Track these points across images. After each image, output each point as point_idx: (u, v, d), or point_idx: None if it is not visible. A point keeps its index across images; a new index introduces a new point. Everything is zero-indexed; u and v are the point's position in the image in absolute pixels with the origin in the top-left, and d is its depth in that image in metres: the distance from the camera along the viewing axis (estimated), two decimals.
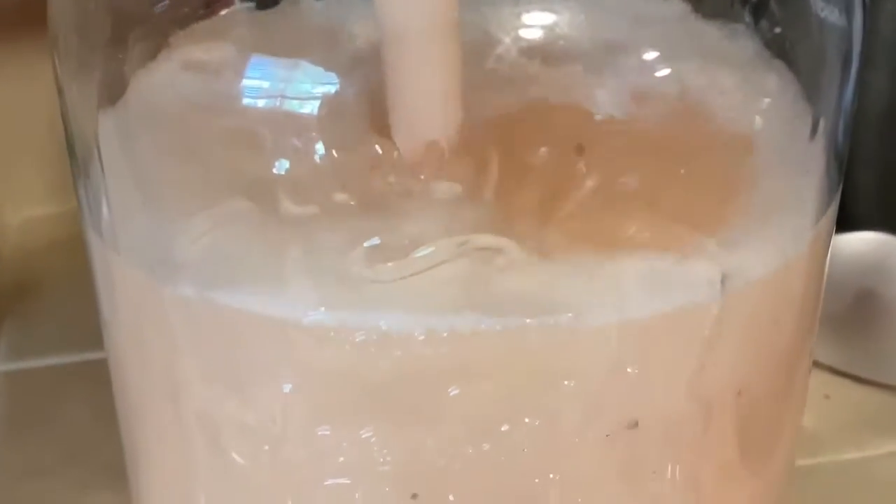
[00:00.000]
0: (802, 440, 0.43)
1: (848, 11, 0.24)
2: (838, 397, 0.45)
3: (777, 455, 0.26)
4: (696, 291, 0.22)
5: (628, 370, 0.22)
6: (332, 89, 0.21)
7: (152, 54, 0.23)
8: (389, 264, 0.21)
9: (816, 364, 0.46)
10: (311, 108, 0.21)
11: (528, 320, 0.21)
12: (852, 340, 0.46)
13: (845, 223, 0.45)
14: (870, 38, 0.42)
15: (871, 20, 0.41)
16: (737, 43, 0.23)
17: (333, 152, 0.20)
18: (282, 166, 0.21)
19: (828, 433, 0.44)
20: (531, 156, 0.20)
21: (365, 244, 0.21)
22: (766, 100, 0.23)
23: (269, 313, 0.22)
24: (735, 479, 0.25)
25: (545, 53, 0.21)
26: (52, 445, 0.41)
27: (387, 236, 0.21)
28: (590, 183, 0.20)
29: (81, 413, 0.41)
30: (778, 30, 0.23)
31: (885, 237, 0.45)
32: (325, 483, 0.23)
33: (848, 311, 0.45)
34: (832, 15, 0.24)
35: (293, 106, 0.21)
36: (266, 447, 0.23)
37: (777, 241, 0.23)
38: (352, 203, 0.21)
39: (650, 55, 0.21)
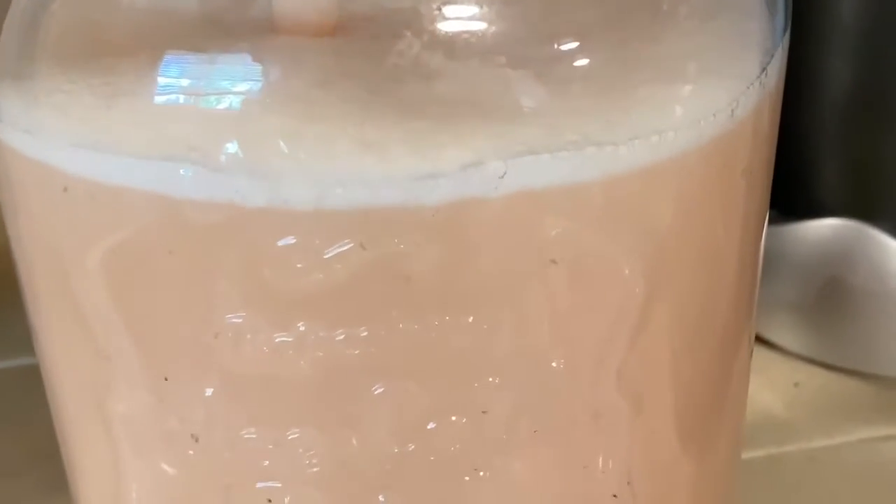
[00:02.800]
0: (772, 428, 0.43)
1: None
2: (808, 385, 0.45)
3: (719, 442, 0.26)
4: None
5: (553, 364, 0.22)
6: None
7: None
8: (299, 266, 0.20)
9: (785, 352, 0.46)
10: None
11: (447, 317, 0.21)
12: (820, 328, 0.46)
13: (810, 210, 0.45)
14: (832, 24, 0.42)
15: (830, 4, 0.41)
16: None
17: None
18: None
19: (798, 421, 0.44)
20: None
21: (279, 242, 0.21)
22: None
23: (184, 316, 0.21)
24: (673, 468, 0.25)
25: None
26: (20, 446, 0.41)
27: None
28: None
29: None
30: None
31: (851, 223, 0.44)
32: (257, 486, 0.23)
33: (815, 299, 0.45)
34: None
35: None
36: (191, 452, 0.23)
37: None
38: None
39: None
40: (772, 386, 0.45)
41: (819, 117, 0.44)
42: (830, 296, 0.45)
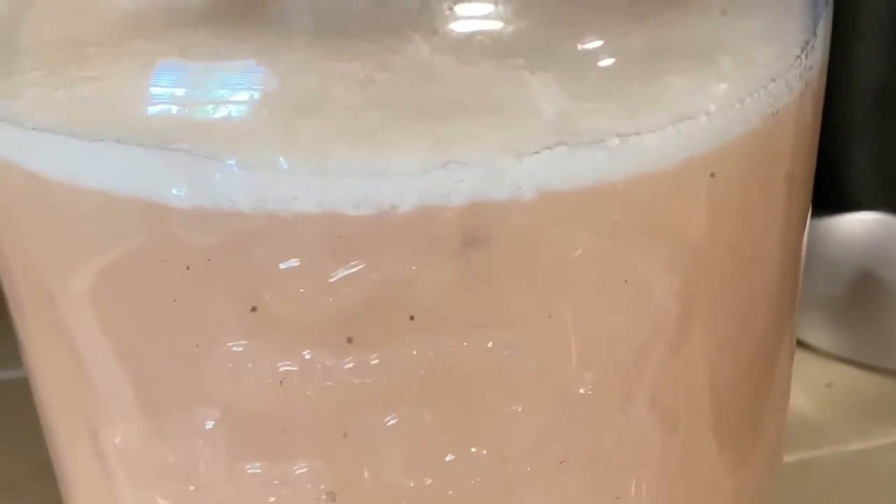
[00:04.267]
0: (804, 431, 0.41)
1: None
2: (840, 385, 0.44)
3: (759, 451, 0.24)
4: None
5: (580, 391, 0.20)
6: None
7: None
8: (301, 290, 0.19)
9: (816, 351, 0.44)
10: None
11: (464, 343, 0.19)
12: (852, 325, 0.44)
13: (843, 204, 0.43)
14: (862, 14, 0.40)
15: None
16: None
17: None
18: None
19: (831, 423, 0.42)
20: None
21: (282, 265, 0.19)
22: None
23: (180, 344, 0.20)
24: (711, 484, 0.23)
25: None
26: (21, 461, 0.40)
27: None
28: None
29: None
30: None
31: (884, 217, 0.43)
32: None
33: (847, 295, 0.44)
34: None
35: None
36: (191, 488, 0.21)
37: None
38: None
39: None
40: (803, 387, 0.44)
41: (851, 109, 0.42)
42: (863, 292, 0.44)
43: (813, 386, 0.44)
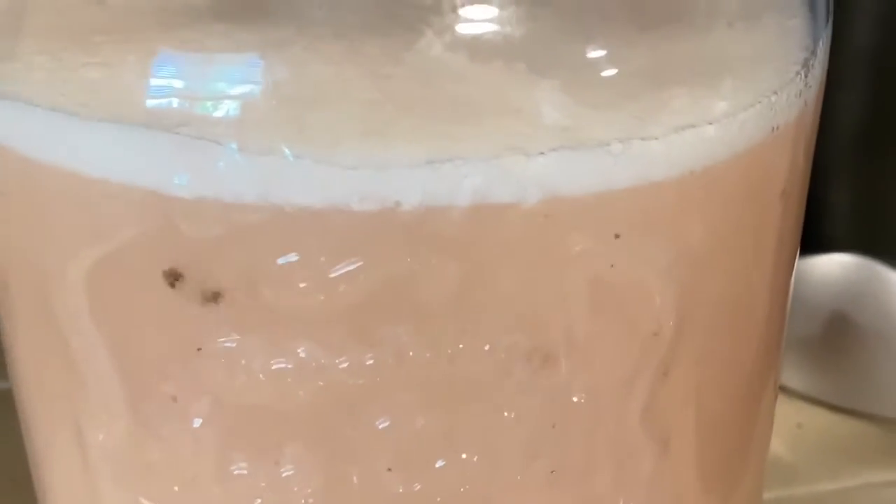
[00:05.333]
0: (776, 471, 0.41)
1: None
2: (811, 426, 0.44)
3: (743, 484, 0.24)
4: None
5: (574, 399, 0.20)
6: None
7: None
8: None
9: (788, 391, 0.44)
10: None
11: (461, 345, 0.19)
12: (825, 367, 0.44)
13: (819, 245, 0.43)
14: (843, 56, 0.41)
15: (843, 37, 0.40)
16: None
17: None
18: None
19: (802, 464, 0.42)
20: None
21: (279, 261, 0.19)
22: None
23: (172, 339, 0.20)
24: None
25: None
26: None
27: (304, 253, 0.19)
28: None
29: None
30: None
31: (860, 260, 0.43)
32: None
33: (820, 336, 0.44)
34: None
35: None
36: (176, 488, 0.21)
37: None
38: None
39: None
40: (775, 427, 0.44)
41: (828, 151, 0.42)
42: (836, 333, 0.44)
43: (784, 426, 0.44)
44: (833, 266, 0.43)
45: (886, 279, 0.43)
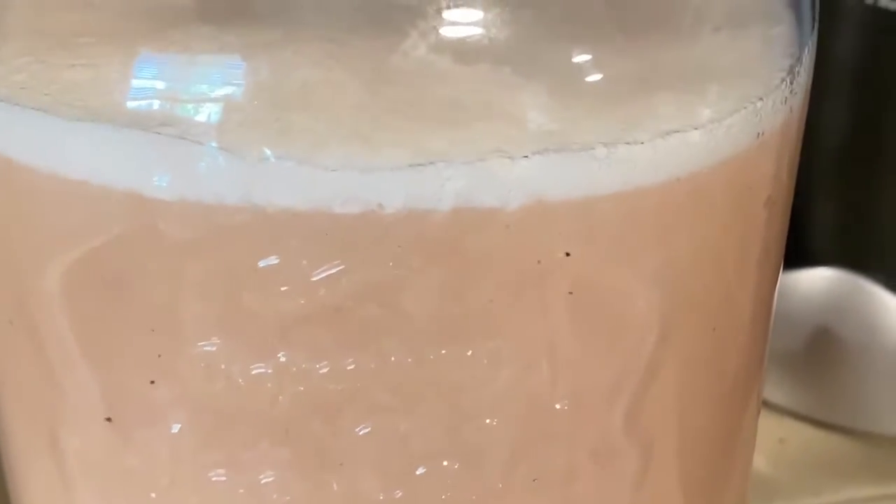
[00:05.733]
0: (757, 486, 0.41)
1: None
2: (793, 441, 0.44)
3: (726, 496, 0.24)
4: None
5: (556, 406, 0.20)
6: None
7: None
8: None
9: (770, 406, 0.44)
10: None
11: (443, 350, 0.19)
12: (807, 381, 0.44)
13: (802, 259, 0.43)
14: (825, 70, 0.41)
15: (827, 50, 0.40)
16: None
17: None
18: None
19: (783, 479, 0.42)
20: None
21: (260, 263, 0.19)
22: None
23: (149, 342, 0.19)
24: None
25: None
26: None
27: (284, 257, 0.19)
28: None
29: None
30: None
31: (843, 274, 0.43)
32: None
33: (803, 351, 0.44)
34: None
35: None
36: (153, 495, 0.21)
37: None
38: None
39: None
40: (756, 441, 0.44)
41: (812, 165, 0.42)
42: (818, 348, 0.44)
43: (766, 441, 0.44)
44: (817, 280, 0.43)
45: (870, 294, 0.43)
